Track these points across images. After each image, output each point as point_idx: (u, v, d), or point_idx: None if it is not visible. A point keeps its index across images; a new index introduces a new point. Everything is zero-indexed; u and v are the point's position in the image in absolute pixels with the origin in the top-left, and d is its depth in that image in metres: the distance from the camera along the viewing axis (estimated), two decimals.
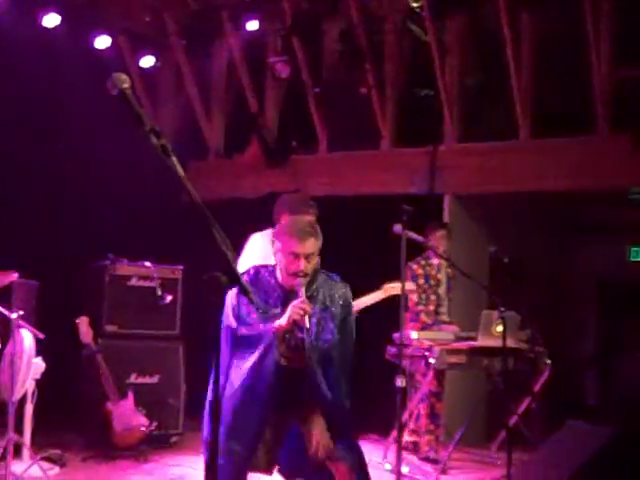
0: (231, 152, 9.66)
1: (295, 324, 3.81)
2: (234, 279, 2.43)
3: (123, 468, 6.49)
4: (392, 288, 6.14)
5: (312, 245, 3.96)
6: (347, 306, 4.09)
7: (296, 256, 3.91)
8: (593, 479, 4.97)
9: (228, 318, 3.90)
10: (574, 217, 10.83)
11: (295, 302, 3.83)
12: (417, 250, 6.94)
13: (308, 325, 3.82)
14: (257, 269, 4.03)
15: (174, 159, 2.39)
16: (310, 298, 3.95)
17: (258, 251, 5.23)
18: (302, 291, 3.89)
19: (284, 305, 3.93)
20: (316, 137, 9.10)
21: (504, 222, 8.85)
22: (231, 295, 3.90)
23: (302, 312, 3.80)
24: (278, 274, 4.01)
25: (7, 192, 7.40)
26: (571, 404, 9.38)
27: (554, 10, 8.04)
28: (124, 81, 2.43)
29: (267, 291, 3.98)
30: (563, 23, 8.06)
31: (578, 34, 7.58)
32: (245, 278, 3.95)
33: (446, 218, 8.27)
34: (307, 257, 3.93)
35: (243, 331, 3.89)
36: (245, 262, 5.32)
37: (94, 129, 7.87)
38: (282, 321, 3.83)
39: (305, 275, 3.93)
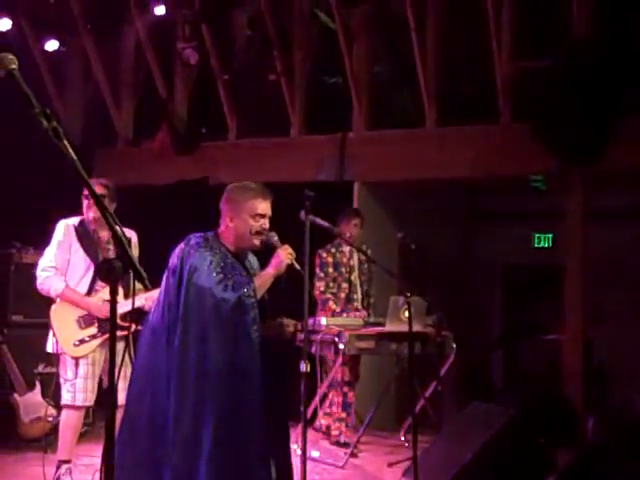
0: (140, 139, 9.56)
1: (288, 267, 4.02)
2: (128, 265, 2.42)
3: (30, 460, 6.38)
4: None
5: (270, 208, 4.12)
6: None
7: (262, 216, 4.04)
8: (496, 456, 5.13)
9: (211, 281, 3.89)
10: (480, 204, 11.05)
11: (281, 248, 4.02)
12: (329, 237, 7.00)
13: (298, 267, 4.04)
14: (203, 236, 4.05)
15: (65, 142, 2.35)
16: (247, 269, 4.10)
17: (60, 237, 5.35)
18: (277, 239, 4.06)
19: (244, 267, 4.06)
20: (225, 124, 9.08)
21: (412, 209, 8.98)
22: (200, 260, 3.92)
23: (292, 256, 4.00)
24: (223, 240, 4.06)
25: None
26: (478, 387, 9.60)
27: None
28: (11, 61, 2.37)
29: (220, 256, 4.00)
30: (466, 11, 8.22)
31: (480, 23, 7.74)
32: (195, 243, 3.98)
33: (355, 205, 8.34)
34: (269, 217, 4.09)
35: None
36: (49, 249, 5.40)
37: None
38: (277, 268, 3.99)
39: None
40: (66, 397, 5.35)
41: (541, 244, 11.11)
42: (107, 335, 4.45)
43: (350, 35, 8.35)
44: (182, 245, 4.01)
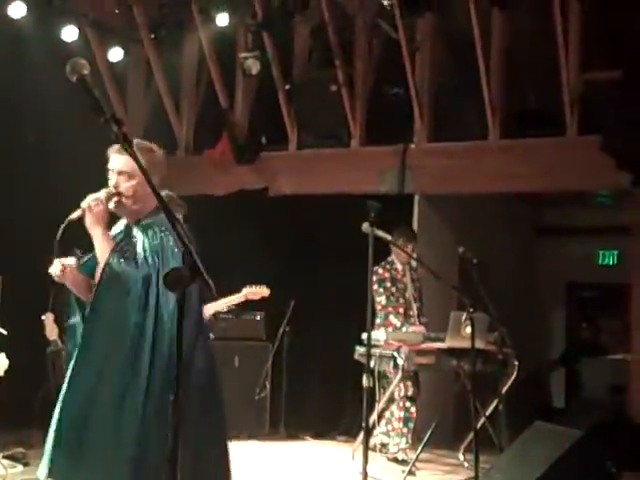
0: (201, 148, 9.56)
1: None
2: (197, 274, 2.35)
3: None
4: (252, 293, 6.29)
5: (119, 162, 3.70)
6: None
7: (110, 172, 3.74)
8: (562, 479, 4.96)
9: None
10: (543, 219, 10.85)
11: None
12: (382, 252, 6.90)
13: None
14: None
15: (135, 150, 2.31)
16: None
17: None
18: (103, 195, 3.69)
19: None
20: (286, 134, 9.03)
21: (473, 223, 8.83)
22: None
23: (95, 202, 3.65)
24: None
25: None
26: (538, 406, 9.39)
27: (524, 9, 8.04)
28: (83, 67, 2.34)
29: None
30: (533, 23, 8.06)
31: (548, 35, 7.58)
32: None
33: (415, 218, 8.25)
34: (119, 174, 3.70)
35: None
36: None
37: (60, 121, 7.72)
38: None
39: (119, 195, 3.69)
40: None
41: (605, 261, 10.89)
42: None
43: (413, 45, 8.25)
44: None
